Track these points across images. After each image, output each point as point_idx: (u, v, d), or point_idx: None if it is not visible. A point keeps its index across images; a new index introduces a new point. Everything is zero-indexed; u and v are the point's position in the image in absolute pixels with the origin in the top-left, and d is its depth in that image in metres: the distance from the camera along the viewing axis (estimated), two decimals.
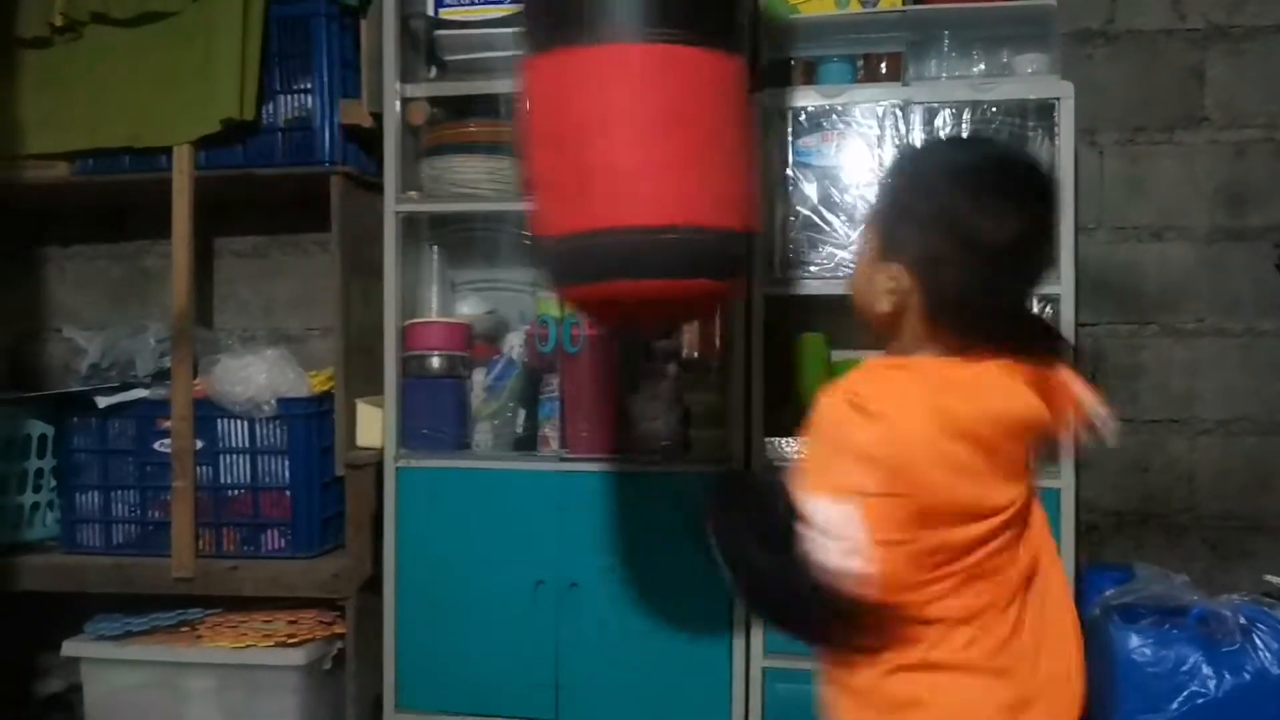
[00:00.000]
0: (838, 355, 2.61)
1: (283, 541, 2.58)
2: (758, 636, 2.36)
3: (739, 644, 2.37)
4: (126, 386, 2.61)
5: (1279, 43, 2.66)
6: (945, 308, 1.15)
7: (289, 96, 2.60)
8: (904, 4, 2.43)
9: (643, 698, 2.39)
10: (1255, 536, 2.67)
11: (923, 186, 1.18)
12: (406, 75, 2.54)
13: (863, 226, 1.26)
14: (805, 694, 2.32)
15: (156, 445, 2.59)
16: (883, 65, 2.43)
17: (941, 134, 2.13)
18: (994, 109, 2.34)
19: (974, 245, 1.12)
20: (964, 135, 1.23)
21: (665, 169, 1.48)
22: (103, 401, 2.59)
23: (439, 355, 2.52)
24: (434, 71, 2.66)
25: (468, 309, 2.72)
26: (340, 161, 2.57)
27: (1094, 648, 2.07)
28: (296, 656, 2.45)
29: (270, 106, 2.60)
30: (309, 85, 2.58)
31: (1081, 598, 2.23)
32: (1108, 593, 2.02)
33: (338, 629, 2.54)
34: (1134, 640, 1.89)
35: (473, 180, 2.51)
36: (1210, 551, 2.68)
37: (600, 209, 1.48)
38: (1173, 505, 2.70)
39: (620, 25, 1.46)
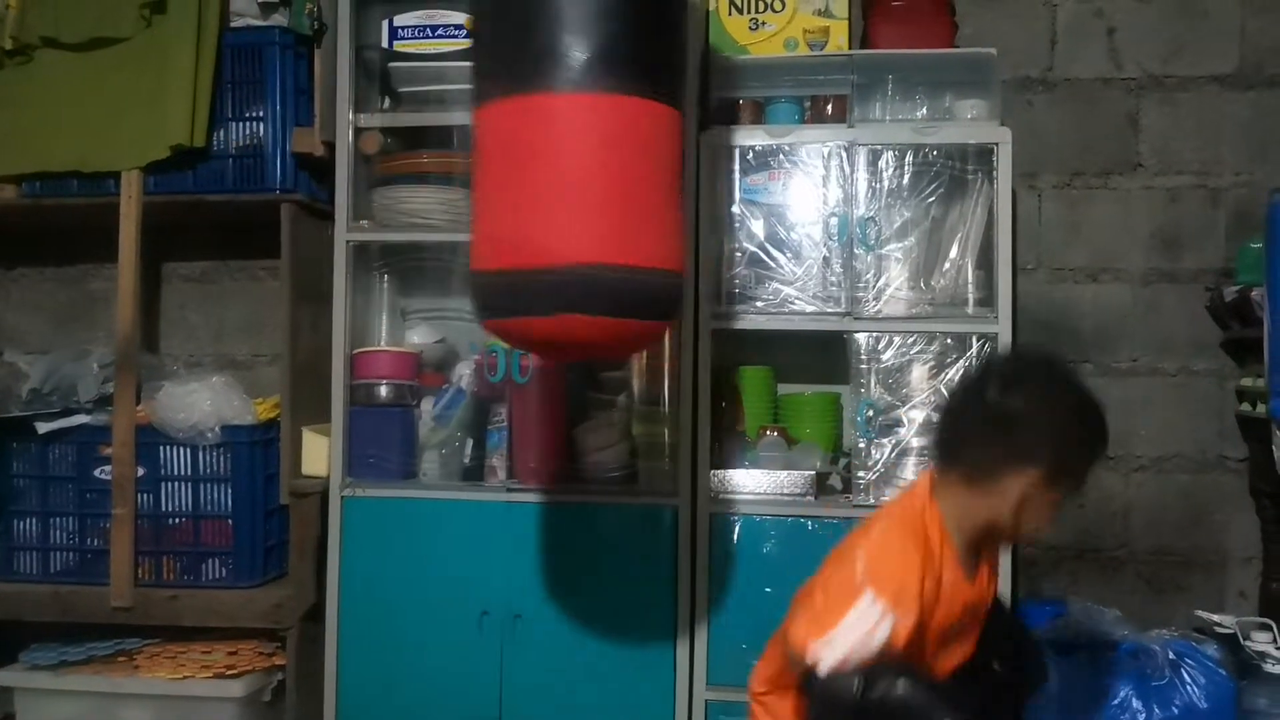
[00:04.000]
0: (783, 389, 2.65)
1: (224, 571, 2.55)
2: (701, 669, 2.37)
3: (683, 676, 2.38)
4: (68, 412, 2.58)
5: (1211, 92, 2.76)
6: None
7: (241, 123, 2.60)
8: (850, 48, 2.50)
9: None
10: (1188, 572, 2.73)
11: None
12: (360, 105, 2.56)
13: None
14: None
15: (97, 472, 2.56)
16: (829, 107, 2.48)
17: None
18: (935, 152, 2.40)
19: None
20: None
21: (597, 212, 1.53)
22: (43, 427, 2.56)
23: (387, 384, 2.53)
24: (387, 102, 2.68)
25: (417, 338, 2.72)
26: (291, 189, 2.58)
27: None
28: (235, 688, 2.42)
29: (221, 133, 2.60)
30: (261, 113, 2.59)
31: None
32: (1041, 626, 2.06)
33: (278, 660, 2.52)
34: (1066, 674, 1.93)
35: (424, 210, 2.52)
36: (1145, 586, 2.74)
37: (532, 248, 1.53)
38: (1108, 541, 2.76)
39: (564, 77, 1.52)
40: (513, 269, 1.54)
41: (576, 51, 1.52)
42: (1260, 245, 2.30)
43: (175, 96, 2.52)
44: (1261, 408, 2.32)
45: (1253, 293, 2.37)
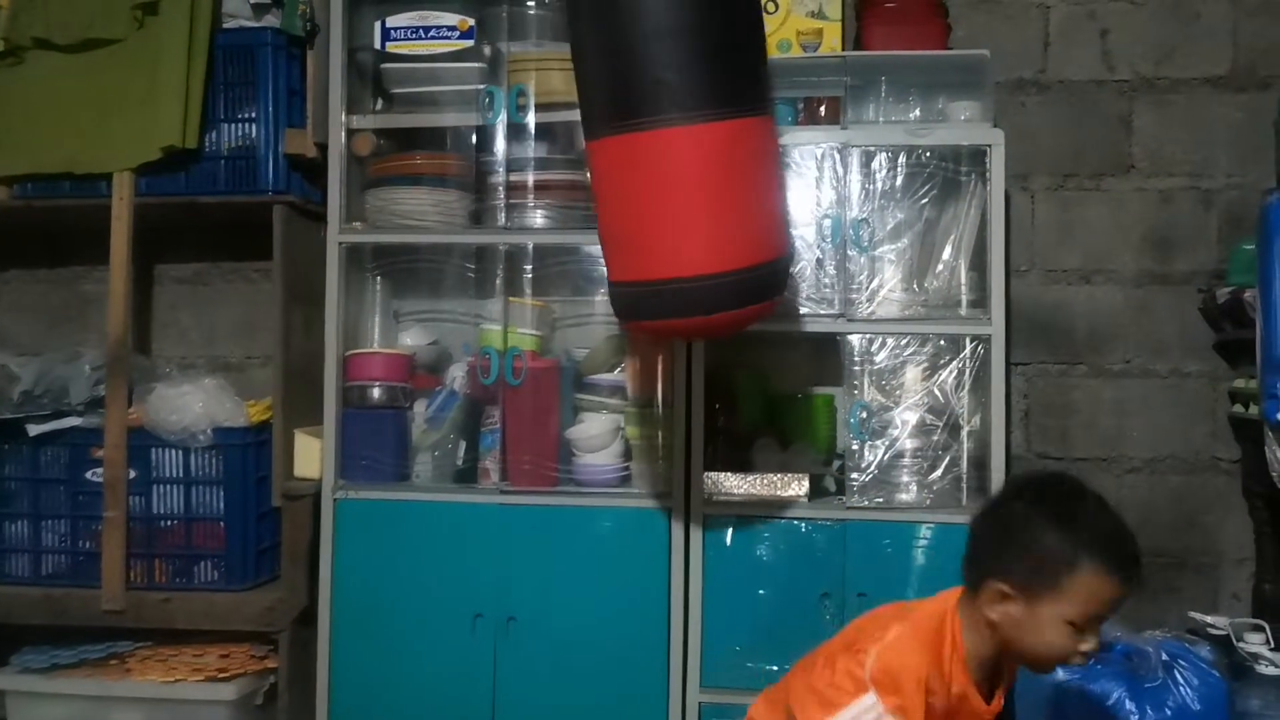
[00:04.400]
0: (777, 391, 2.65)
1: (216, 573, 2.55)
2: (694, 671, 2.37)
3: (676, 679, 2.37)
4: (59, 414, 2.57)
5: (1203, 94, 2.76)
6: None
7: (233, 125, 2.59)
8: (843, 50, 2.50)
9: None
10: (1181, 573, 2.73)
11: None
12: (352, 106, 2.55)
13: None
14: None
15: (89, 474, 2.55)
16: (822, 108, 2.49)
17: None
18: (928, 153, 2.40)
19: None
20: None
21: (710, 229, 1.74)
22: (34, 429, 2.54)
23: (380, 386, 2.52)
24: (380, 103, 2.67)
25: (410, 340, 2.72)
26: (284, 190, 2.57)
27: (1022, 679, 2.10)
28: (227, 691, 2.41)
29: (214, 134, 2.59)
30: (253, 114, 2.58)
31: None
32: None
33: (270, 663, 2.51)
34: (1059, 675, 1.93)
35: (417, 212, 2.52)
36: (1138, 588, 2.73)
37: (661, 263, 1.75)
38: None
39: (673, 111, 1.68)
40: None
41: (710, 88, 1.70)
42: (1252, 247, 2.30)
43: (167, 98, 2.51)
44: (1254, 409, 2.33)
45: (1245, 294, 2.38)
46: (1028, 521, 1.43)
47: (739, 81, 1.74)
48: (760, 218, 1.80)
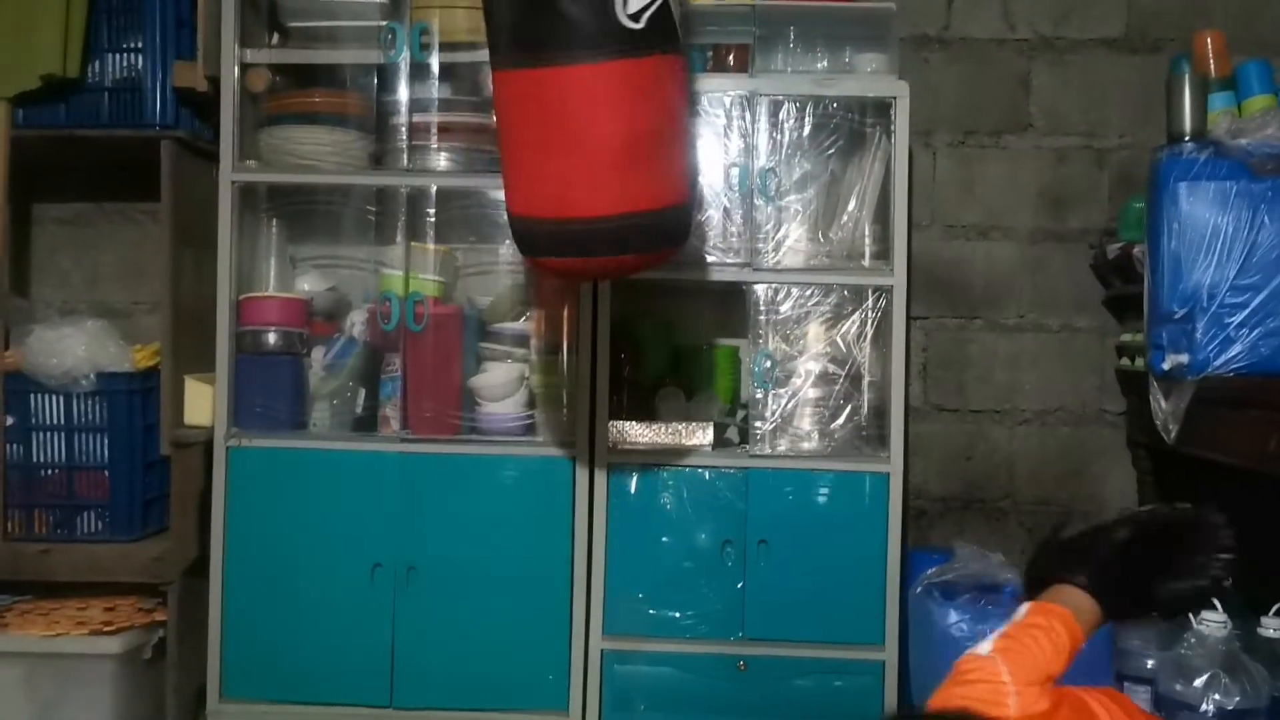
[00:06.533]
0: (682, 342, 2.66)
1: (100, 524, 2.45)
2: (597, 619, 2.37)
3: (579, 626, 2.37)
4: None
5: (1099, 56, 2.83)
6: None
7: (118, 55, 2.47)
8: None
9: (481, 682, 2.37)
10: (1068, 521, 2.82)
11: None
12: (247, 39, 2.45)
13: None
14: (643, 675, 2.37)
15: None
16: (730, 56, 2.47)
17: None
18: (835, 104, 2.41)
19: None
20: None
21: (619, 172, 1.69)
22: None
23: (275, 331, 2.44)
24: (276, 37, 2.57)
25: (308, 285, 2.64)
26: (172, 125, 2.45)
27: (916, 623, 2.16)
28: (112, 645, 2.32)
29: (97, 64, 2.46)
30: (139, 44, 2.45)
31: (907, 579, 2.32)
32: (929, 571, 2.11)
33: (159, 616, 2.43)
34: (952, 615, 1.98)
35: (314, 152, 2.44)
36: (1027, 536, 2.83)
37: (570, 201, 1.71)
38: (993, 492, 2.84)
39: (582, 47, 1.63)
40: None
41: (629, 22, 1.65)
42: (1142, 204, 2.37)
43: (46, 23, 2.37)
44: (1140, 362, 2.41)
45: (1134, 249, 2.45)
46: None
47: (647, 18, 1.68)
48: (666, 161, 1.75)
